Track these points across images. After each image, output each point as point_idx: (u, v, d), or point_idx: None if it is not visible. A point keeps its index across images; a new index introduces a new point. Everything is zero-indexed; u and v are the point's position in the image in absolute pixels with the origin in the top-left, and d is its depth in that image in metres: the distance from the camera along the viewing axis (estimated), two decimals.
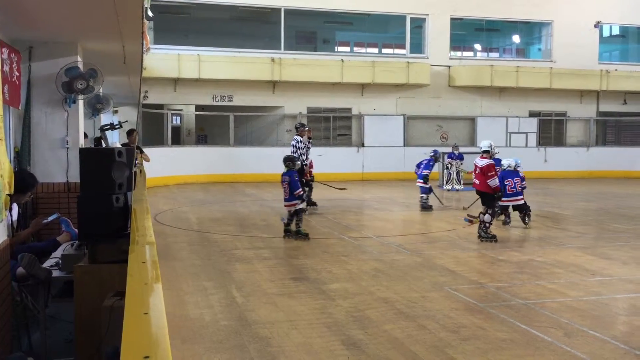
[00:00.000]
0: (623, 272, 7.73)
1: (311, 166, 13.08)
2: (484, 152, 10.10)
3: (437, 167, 17.31)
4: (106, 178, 4.05)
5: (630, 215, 13.44)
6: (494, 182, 9.79)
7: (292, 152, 12.87)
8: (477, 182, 10.04)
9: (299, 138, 12.90)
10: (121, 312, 1.66)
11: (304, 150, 12.85)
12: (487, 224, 9.82)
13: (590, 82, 25.18)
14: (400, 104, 24.11)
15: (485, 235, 9.77)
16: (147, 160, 12.33)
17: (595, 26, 25.87)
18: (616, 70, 25.73)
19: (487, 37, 27.95)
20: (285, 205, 10.00)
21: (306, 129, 13.27)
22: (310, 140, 13.28)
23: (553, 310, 5.87)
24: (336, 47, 27.07)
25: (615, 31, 28.49)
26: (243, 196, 16.98)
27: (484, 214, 9.84)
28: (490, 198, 9.91)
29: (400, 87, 23.74)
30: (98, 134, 8.75)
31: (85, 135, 6.90)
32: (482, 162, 9.94)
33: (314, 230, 10.96)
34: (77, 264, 4.09)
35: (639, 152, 25.17)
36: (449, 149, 19.61)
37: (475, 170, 10.04)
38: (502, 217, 11.42)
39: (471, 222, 10.66)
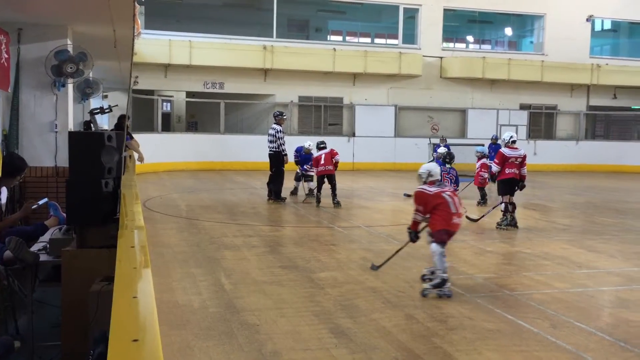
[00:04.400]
0: (609, 264, 7.80)
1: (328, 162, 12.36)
2: (514, 142, 10.31)
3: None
4: (95, 162, 4.02)
5: (617, 209, 13.55)
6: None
7: (270, 142, 12.80)
8: (515, 171, 10.18)
9: (278, 127, 12.80)
10: (109, 297, 1.65)
11: (284, 140, 12.77)
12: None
13: (581, 76, 25.30)
14: (391, 94, 24.11)
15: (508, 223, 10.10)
16: (141, 159, 11.65)
17: (587, 20, 25.94)
18: (607, 64, 25.84)
19: (479, 29, 27.97)
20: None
21: (285, 117, 13.20)
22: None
23: (540, 301, 5.91)
24: (328, 36, 26.98)
25: (607, 26, 28.60)
26: (233, 184, 16.94)
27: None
28: (519, 186, 10.26)
29: (392, 77, 23.72)
30: (88, 117, 8.69)
31: (128, 118, 6.77)
32: (521, 152, 10.28)
33: (304, 219, 10.97)
34: (65, 248, 4.06)
35: (627, 146, 25.36)
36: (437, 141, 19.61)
37: (515, 160, 10.14)
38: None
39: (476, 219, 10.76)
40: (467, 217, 10.84)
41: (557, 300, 5.97)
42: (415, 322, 5.23)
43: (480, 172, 12.81)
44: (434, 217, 6.12)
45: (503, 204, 10.18)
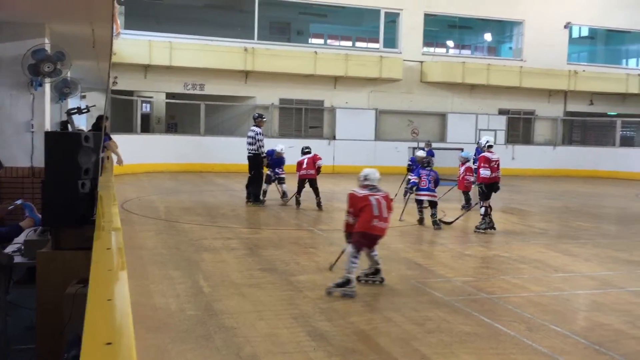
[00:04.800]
0: (585, 268, 7.91)
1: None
2: (490, 146, 10.51)
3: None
4: (72, 163, 3.97)
5: (593, 213, 13.75)
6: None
7: (250, 144, 12.75)
8: (498, 175, 10.42)
9: (258, 129, 12.76)
10: (85, 300, 1.62)
11: (263, 142, 12.74)
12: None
13: (558, 82, 25.63)
14: (372, 97, 24.20)
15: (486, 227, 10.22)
16: (120, 162, 10.89)
17: (565, 27, 26.30)
18: (584, 71, 26.22)
19: (459, 34, 28.22)
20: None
21: (264, 119, 13.17)
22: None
23: (516, 304, 5.97)
24: (310, 39, 27.01)
25: (585, 33, 29.04)
26: (212, 186, 16.86)
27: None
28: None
29: (373, 81, 23.81)
30: (65, 117, 8.58)
31: (106, 118, 6.59)
32: (496, 155, 10.46)
33: (283, 222, 10.95)
34: (40, 250, 4.00)
35: (603, 152, 25.74)
36: (420, 144, 19.72)
37: (496, 163, 10.35)
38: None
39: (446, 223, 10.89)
40: (442, 221, 10.93)
41: (533, 304, 6.04)
42: (393, 325, 5.25)
43: (465, 177, 12.78)
44: (358, 219, 6.30)
45: (483, 208, 10.27)
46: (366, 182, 6.48)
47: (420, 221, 10.91)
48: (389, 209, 6.41)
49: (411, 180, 11.63)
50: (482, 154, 10.50)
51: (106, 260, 2.09)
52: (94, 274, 1.85)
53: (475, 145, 15.46)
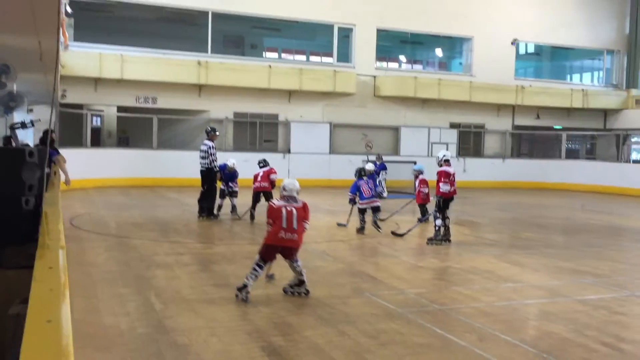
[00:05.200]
0: (534, 278, 8.10)
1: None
2: (447, 160, 10.67)
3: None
4: (15, 179, 3.84)
5: (541, 224, 14.13)
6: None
7: (202, 158, 12.65)
8: (455, 188, 10.60)
9: (210, 143, 12.67)
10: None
11: (216, 156, 12.65)
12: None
13: (506, 96, 26.36)
14: (326, 111, 24.35)
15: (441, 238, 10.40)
16: (67, 182, 10.24)
17: (512, 43, 27.12)
18: (530, 86, 27.07)
19: (411, 50, 28.76)
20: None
21: (217, 133, 13.11)
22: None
23: (468, 315, 6.07)
24: (264, 53, 27.04)
25: (531, 49, 30.00)
26: (165, 200, 16.60)
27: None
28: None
29: (327, 95, 23.98)
30: (8, 132, 8.33)
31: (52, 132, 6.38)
32: (452, 169, 10.64)
33: (237, 237, 10.87)
34: None
35: (550, 164, 26.55)
36: (372, 158, 19.92)
37: (451, 177, 10.51)
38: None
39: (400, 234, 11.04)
40: (394, 233, 11.08)
41: (484, 314, 6.14)
42: (347, 338, 5.25)
43: (421, 189, 12.83)
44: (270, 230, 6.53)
45: (439, 220, 10.40)
46: (284, 193, 6.63)
47: (361, 230, 11.34)
48: (304, 219, 6.56)
49: (350, 197, 11.83)
50: (442, 169, 10.59)
51: (48, 280, 2.03)
52: (34, 293, 1.79)
53: (426, 159, 15.77)
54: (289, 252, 6.52)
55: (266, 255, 6.48)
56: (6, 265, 3.75)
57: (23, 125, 7.23)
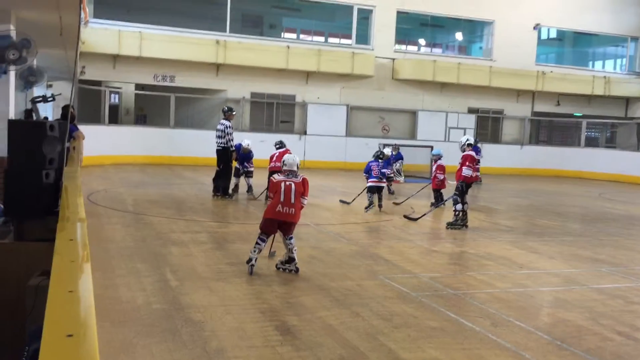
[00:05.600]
0: (549, 265, 8.05)
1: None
2: (470, 145, 10.66)
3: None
4: (36, 152, 3.88)
5: (558, 212, 14.02)
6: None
7: (219, 137, 12.66)
8: (478, 174, 10.50)
9: (227, 123, 12.67)
10: (47, 292, 1.58)
11: (232, 136, 12.67)
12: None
13: (526, 82, 26.03)
14: (344, 93, 24.23)
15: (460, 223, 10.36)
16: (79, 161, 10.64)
17: (534, 28, 26.71)
18: (551, 72, 26.68)
19: (431, 33, 28.42)
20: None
21: (234, 113, 13.13)
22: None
23: (482, 300, 6.05)
24: (282, 33, 26.89)
25: (553, 34, 29.53)
26: (181, 179, 16.70)
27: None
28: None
29: (345, 77, 23.85)
30: (29, 106, 8.39)
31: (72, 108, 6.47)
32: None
33: (252, 217, 10.91)
34: (2, 241, 3.91)
35: (569, 152, 26.25)
36: (389, 142, 19.87)
37: (476, 163, 10.59)
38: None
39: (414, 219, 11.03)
40: (406, 217, 11.08)
41: (498, 300, 6.13)
42: (361, 320, 5.27)
43: (436, 175, 12.74)
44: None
45: (459, 205, 10.34)
46: (284, 168, 6.84)
47: (369, 207, 11.86)
48: (303, 194, 6.69)
49: (366, 177, 12.26)
50: (467, 153, 10.50)
51: (69, 252, 2.04)
52: (56, 265, 1.81)
53: (443, 144, 15.73)
54: (287, 227, 6.67)
55: (266, 228, 6.65)
56: (27, 238, 3.80)
57: (44, 99, 7.27)
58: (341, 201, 12.79)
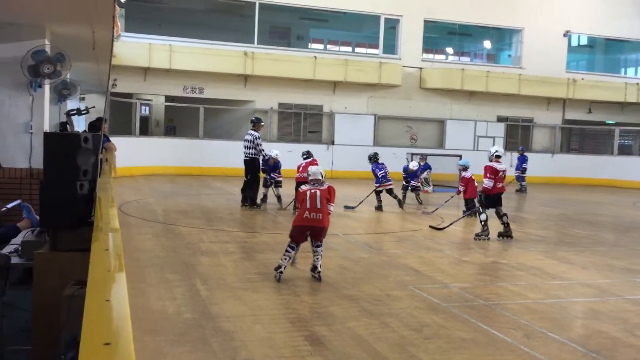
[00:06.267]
0: (582, 276, 7.90)
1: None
2: (498, 156, 10.44)
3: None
4: (71, 164, 3.96)
5: (590, 221, 13.76)
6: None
7: (247, 148, 12.72)
8: (504, 185, 10.42)
9: (256, 134, 12.72)
10: (81, 301, 1.61)
11: (262, 146, 12.74)
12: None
13: (557, 90, 25.68)
14: (371, 103, 24.22)
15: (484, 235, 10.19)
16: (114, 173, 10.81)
17: (564, 35, 26.39)
18: (583, 79, 26.29)
19: (459, 41, 28.28)
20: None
21: (262, 124, 13.20)
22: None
23: (514, 311, 5.96)
24: (310, 44, 27.04)
25: (583, 41, 29.13)
26: (210, 189, 16.85)
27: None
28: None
29: (372, 86, 23.85)
30: (64, 119, 8.58)
31: (105, 120, 6.72)
32: (503, 165, 10.42)
33: (280, 227, 10.95)
34: (38, 251, 3.99)
35: (601, 160, 25.77)
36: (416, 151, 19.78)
37: (502, 174, 10.29)
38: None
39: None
40: (432, 227, 10.97)
41: (530, 311, 6.03)
42: (390, 330, 5.23)
43: (460, 186, 12.63)
44: None
45: (484, 215, 10.22)
46: (310, 177, 7.11)
47: (379, 207, 13.23)
48: (329, 201, 6.88)
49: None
50: (489, 164, 10.37)
51: (104, 262, 2.08)
52: (92, 274, 1.84)
53: (471, 153, 15.63)
54: (317, 232, 6.78)
55: (295, 236, 6.78)
56: (61, 248, 3.88)
57: (79, 111, 7.42)
58: (346, 207, 13.23)
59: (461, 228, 11.35)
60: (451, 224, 11.10)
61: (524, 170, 20.26)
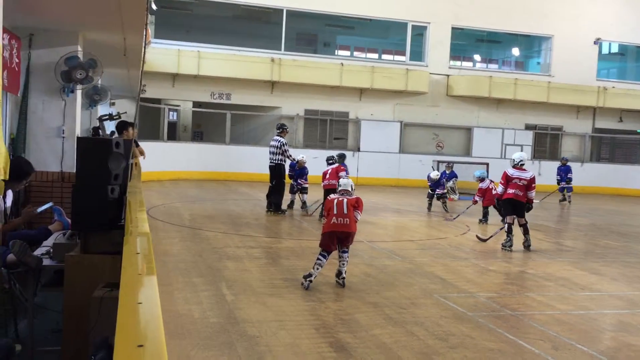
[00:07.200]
0: (612, 288, 7.76)
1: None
2: (522, 164, 10.24)
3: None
4: (102, 168, 4.03)
5: (621, 232, 13.50)
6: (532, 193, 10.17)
7: (272, 154, 12.78)
8: (519, 193, 10.06)
9: (283, 140, 12.79)
10: (112, 304, 1.64)
11: (289, 152, 12.81)
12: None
13: (587, 98, 25.31)
14: (397, 110, 24.17)
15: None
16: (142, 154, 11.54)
17: (594, 43, 26.03)
18: (613, 87, 25.88)
19: (487, 48, 28.08)
20: None
21: (287, 130, 13.25)
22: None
23: (542, 322, 5.88)
24: (336, 51, 27.11)
25: (614, 49, 28.68)
26: (236, 194, 16.96)
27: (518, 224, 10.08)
28: (525, 208, 10.21)
29: (399, 93, 23.79)
30: (95, 123, 8.74)
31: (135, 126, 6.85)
32: (528, 174, 10.08)
33: (306, 233, 10.97)
34: (69, 254, 4.06)
35: (632, 170, 25.30)
36: (442, 158, 19.65)
37: (518, 181, 10.06)
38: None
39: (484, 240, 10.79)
40: (478, 237, 10.86)
41: (559, 322, 5.94)
42: (416, 339, 5.20)
43: (477, 196, 12.94)
44: None
45: (507, 225, 10.13)
46: (339, 188, 7.29)
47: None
48: (357, 208, 6.96)
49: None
50: (506, 170, 10.34)
51: (136, 265, 2.12)
52: (125, 277, 1.88)
53: (498, 161, 15.58)
54: (344, 237, 6.86)
55: (325, 244, 6.84)
56: (92, 251, 3.95)
57: (111, 117, 7.56)
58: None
59: (494, 238, 11.22)
60: (493, 235, 10.92)
61: (569, 181, 19.87)
